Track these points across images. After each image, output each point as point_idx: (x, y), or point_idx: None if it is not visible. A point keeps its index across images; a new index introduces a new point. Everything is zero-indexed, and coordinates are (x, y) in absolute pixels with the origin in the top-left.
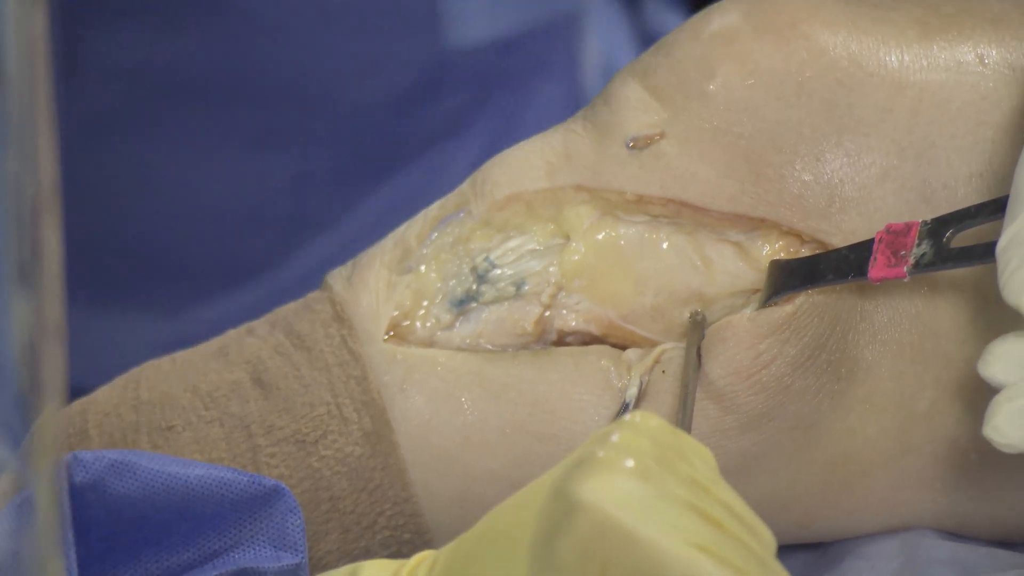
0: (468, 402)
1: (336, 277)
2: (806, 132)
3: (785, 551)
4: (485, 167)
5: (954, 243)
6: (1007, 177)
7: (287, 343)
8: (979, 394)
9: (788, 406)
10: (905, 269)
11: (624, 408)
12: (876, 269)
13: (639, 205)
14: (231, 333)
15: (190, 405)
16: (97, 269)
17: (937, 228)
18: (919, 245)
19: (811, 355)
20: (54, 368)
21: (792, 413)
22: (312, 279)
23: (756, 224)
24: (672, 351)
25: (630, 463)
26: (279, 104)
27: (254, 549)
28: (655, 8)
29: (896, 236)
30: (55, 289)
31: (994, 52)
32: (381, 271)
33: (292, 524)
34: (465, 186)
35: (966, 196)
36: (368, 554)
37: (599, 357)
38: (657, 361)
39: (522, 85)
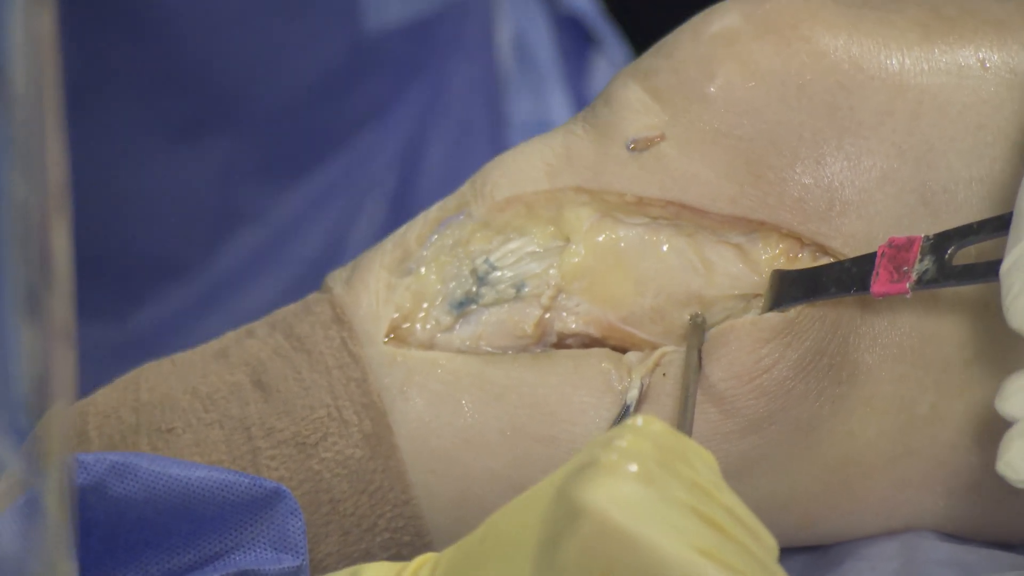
0: (468, 404)
1: (335, 279)
2: (806, 135)
3: (785, 552)
4: (485, 168)
5: (956, 259)
6: (1007, 182)
7: (287, 345)
8: (979, 397)
9: (789, 410)
10: (908, 285)
11: (625, 410)
12: (879, 284)
13: (639, 207)
14: (231, 335)
15: (190, 407)
16: None
17: (939, 243)
18: (921, 260)
19: (812, 359)
20: (63, 370)
21: (793, 417)
22: (248, 271)
23: (756, 226)
24: (672, 354)
25: (633, 467)
26: (200, 94)
27: (255, 551)
28: None
29: (898, 251)
30: (65, 291)
31: (996, 56)
32: (381, 273)
33: (293, 526)
34: (465, 188)
35: (966, 200)
36: (368, 556)
37: (599, 359)
38: (657, 364)
39: (438, 68)
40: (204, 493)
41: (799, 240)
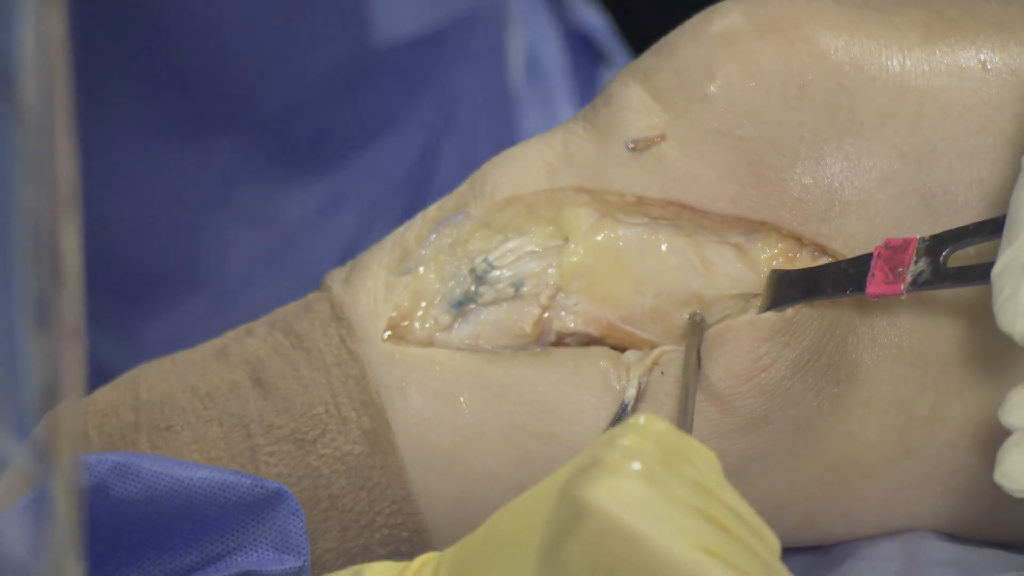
0: (467, 402)
1: (334, 278)
2: (807, 135)
3: (786, 553)
4: (484, 168)
5: (951, 261)
6: (1008, 184)
7: (286, 343)
8: (980, 398)
9: (787, 409)
10: (902, 287)
11: (623, 409)
12: (874, 285)
13: (639, 207)
14: (230, 333)
15: (189, 405)
16: None
17: (935, 245)
18: (916, 262)
19: (810, 359)
20: (73, 370)
21: (791, 416)
22: (255, 279)
23: (756, 227)
24: (671, 353)
25: (637, 466)
26: (204, 95)
27: (257, 552)
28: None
29: (894, 252)
30: (74, 290)
31: (997, 57)
32: (379, 272)
33: (295, 527)
34: (464, 187)
35: (966, 202)
36: (366, 552)
37: (598, 358)
38: (656, 362)
39: (452, 78)
40: (206, 494)
41: (799, 240)
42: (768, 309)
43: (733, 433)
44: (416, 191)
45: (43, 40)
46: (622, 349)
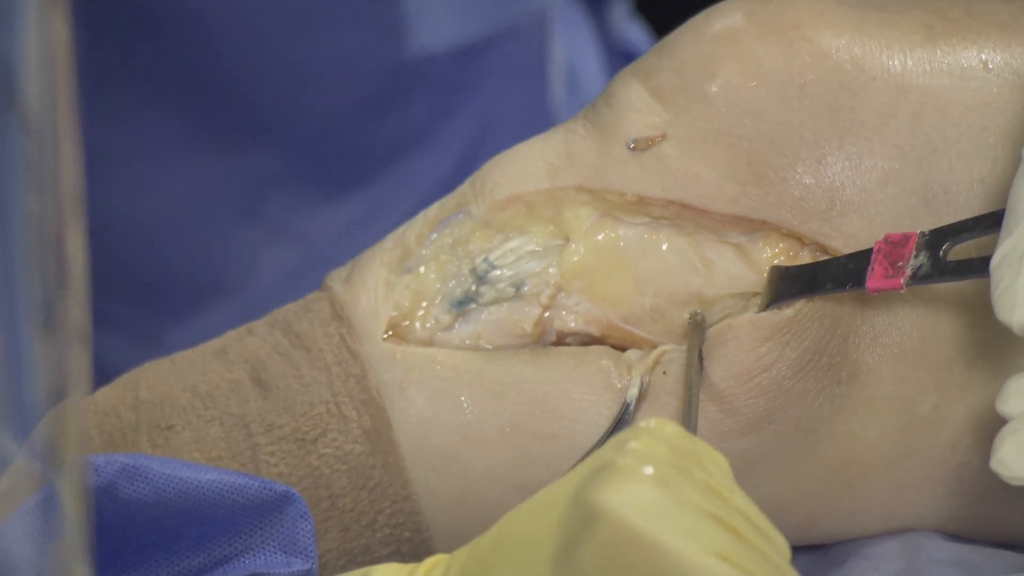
0: (468, 401)
1: (335, 277)
2: (808, 135)
3: None
4: (485, 167)
5: (951, 255)
6: (1008, 184)
7: (286, 342)
8: (981, 398)
9: (788, 409)
10: (902, 281)
11: (625, 408)
12: (874, 280)
13: (640, 206)
14: (231, 333)
15: (189, 405)
16: None
17: (935, 240)
18: (916, 256)
19: (811, 358)
20: (78, 372)
21: (793, 416)
22: (284, 292)
23: (757, 226)
24: (672, 352)
25: (649, 470)
26: (237, 107)
27: (264, 554)
28: (618, 15)
29: (894, 247)
30: (79, 293)
31: (999, 57)
32: (380, 271)
33: (302, 530)
34: (465, 187)
35: (967, 201)
36: (367, 552)
37: (599, 357)
38: (657, 362)
39: (489, 92)
40: (214, 496)
41: (799, 240)
42: (768, 305)
43: (734, 433)
44: None
45: (46, 46)
46: (622, 349)
